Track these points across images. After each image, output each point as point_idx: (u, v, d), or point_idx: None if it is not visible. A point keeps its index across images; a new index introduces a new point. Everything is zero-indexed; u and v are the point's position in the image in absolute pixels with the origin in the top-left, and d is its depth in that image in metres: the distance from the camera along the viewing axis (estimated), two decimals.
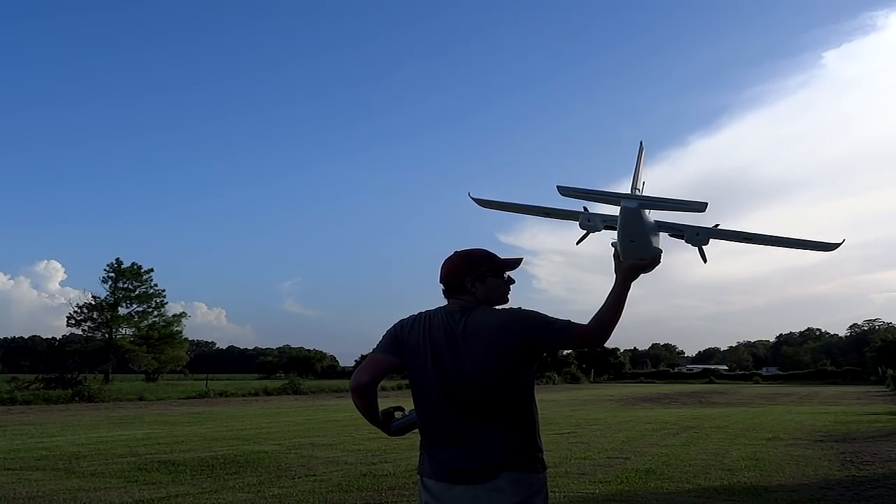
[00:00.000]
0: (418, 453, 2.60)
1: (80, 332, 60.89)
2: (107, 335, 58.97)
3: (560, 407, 25.27)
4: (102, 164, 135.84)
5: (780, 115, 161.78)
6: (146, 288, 60.91)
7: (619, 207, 4.36)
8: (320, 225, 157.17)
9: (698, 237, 5.19)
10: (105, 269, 60.20)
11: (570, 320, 2.50)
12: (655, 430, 15.51)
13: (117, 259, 60.42)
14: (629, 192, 5.10)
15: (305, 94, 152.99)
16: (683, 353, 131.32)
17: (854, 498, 7.41)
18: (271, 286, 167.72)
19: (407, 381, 2.62)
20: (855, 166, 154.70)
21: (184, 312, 65.00)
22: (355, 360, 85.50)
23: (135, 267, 60.57)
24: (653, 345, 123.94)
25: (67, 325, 60.72)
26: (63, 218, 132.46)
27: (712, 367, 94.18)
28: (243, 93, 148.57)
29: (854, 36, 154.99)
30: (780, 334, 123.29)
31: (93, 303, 58.98)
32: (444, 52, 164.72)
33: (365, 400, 2.52)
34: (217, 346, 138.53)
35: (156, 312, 61.73)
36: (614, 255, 2.70)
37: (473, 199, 6.41)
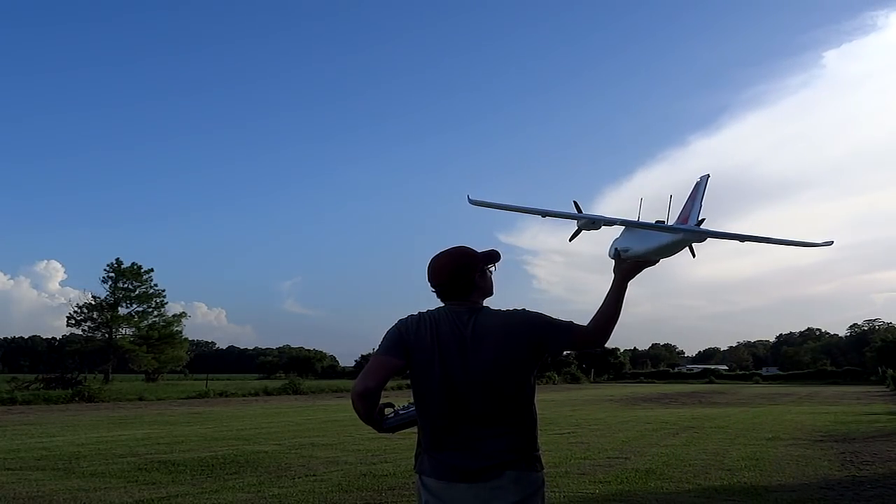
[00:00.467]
0: (415, 452, 2.59)
1: (80, 332, 61.05)
2: (107, 335, 58.99)
3: (560, 407, 25.26)
4: (102, 165, 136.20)
5: (780, 114, 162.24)
6: (146, 288, 60.97)
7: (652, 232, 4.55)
8: (320, 225, 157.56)
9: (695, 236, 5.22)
10: (105, 269, 60.46)
11: (572, 321, 2.52)
12: (655, 431, 15.50)
13: (117, 259, 60.65)
14: (683, 222, 5.13)
15: (307, 98, 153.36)
16: (683, 353, 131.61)
17: (854, 498, 7.40)
18: (271, 286, 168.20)
19: (407, 382, 2.60)
20: (855, 166, 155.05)
21: (184, 312, 65.17)
22: (355, 361, 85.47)
23: (135, 267, 60.61)
24: (653, 345, 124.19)
25: (67, 325, 60.95)
26: (63, 218, 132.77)
27: (712, 367, 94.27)
28: (244, 97, 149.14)
29: (854, 36, 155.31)
30: (780, 334, 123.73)
31: (93, 303, 59.10)
32: (443, 57, 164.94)
33: (370, 404, 2.42)
34: (217, 346, 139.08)
35: (156, 312, 61.85)
36: (614, 256, 2.71)
37: (472, 201, 6.40)
